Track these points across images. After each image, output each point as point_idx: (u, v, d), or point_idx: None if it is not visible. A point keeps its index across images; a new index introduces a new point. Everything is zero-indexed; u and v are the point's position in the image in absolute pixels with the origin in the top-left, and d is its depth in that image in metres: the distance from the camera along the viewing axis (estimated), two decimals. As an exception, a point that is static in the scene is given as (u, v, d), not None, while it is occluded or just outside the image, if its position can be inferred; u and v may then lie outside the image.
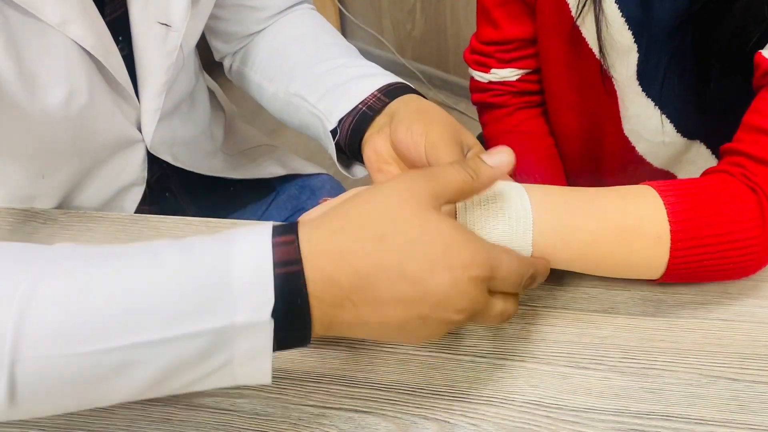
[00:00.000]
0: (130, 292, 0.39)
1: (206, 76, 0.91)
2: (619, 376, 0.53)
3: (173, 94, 0.75)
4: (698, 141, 0.79)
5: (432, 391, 0.53)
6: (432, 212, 0.43)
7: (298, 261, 0.41)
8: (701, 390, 0.52)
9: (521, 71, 0.84)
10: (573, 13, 0.73)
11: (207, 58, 0.88)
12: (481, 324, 0.48)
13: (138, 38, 0.68)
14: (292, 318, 0.41)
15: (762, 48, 0.60)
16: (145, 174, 0.77)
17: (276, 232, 0.42)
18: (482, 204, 0.50)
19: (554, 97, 0.83)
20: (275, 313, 0.40)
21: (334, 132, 0.64)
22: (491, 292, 0.45)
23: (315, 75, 0.70)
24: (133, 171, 0.76)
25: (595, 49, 0.74)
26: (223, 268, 0.40)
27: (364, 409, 0.53)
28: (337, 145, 0.65)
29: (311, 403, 0.53)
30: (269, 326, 0.40)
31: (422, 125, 0.56)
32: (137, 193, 0.79)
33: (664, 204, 0.51)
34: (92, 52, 0.62)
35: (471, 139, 0.58)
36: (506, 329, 0.56)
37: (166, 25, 0.67)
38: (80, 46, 0.62)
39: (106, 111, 0.68)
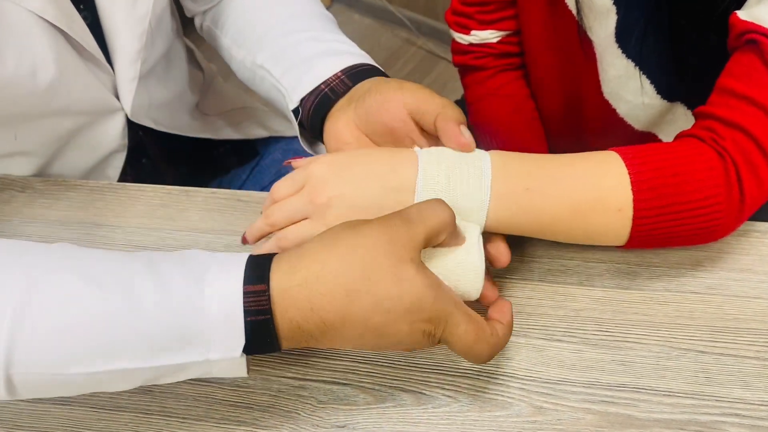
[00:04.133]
0: (112, 325, 0.43)
1: (182, 36, 0.89)
2: (592, 349, 0.54)
3: (148, 57, 0.73)
4: (678, 102, 0.79)
5: (409, 364, 0.54)
6: (408, 266, 0.44)
7: (268, 311, 0.44)
8: (671, 362, 0.53)
9: (501, 33, 0.83)
10: None
11: (185, 17, 0.86)
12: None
13: (102, 4, 0.66)
14: (262, 348, 0.45)
15: (737, 9, 0.59)
16: (126, 141, 0.76)
17: (248, 279, 0.44)
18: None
19: (534, 60, 0.82)
20: (246, 348, 0.44)
21: (296, 111, 0.63)
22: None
23: (281, 47, 0.67)
24: (113, 139, 0.75)
25: (574, 11, 0.73)
26: (197, 316, 0.43)
27: (343, 381, 0.54)
28: (300, 122, 0.64)
29: (291, 374, 0.54)
30: (242, 359, 0.45)
31: (394, 83, 0.56)
32: (120, 160, 0.78)
33: (629, 173, 0.51)
34: (54, 23, 0.61)
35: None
36: (483, 302, 0.57)
37: None
38: (41, 17, 0.60)
39: (79, 81, 0.66)
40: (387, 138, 0.56)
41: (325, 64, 0.62)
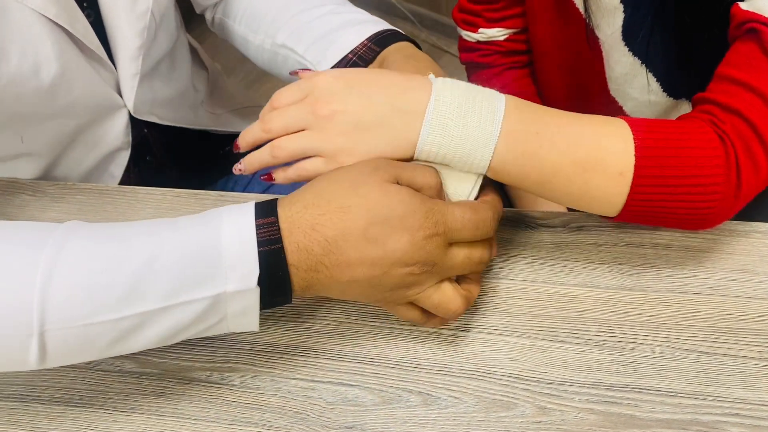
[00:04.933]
0: (136, 269, 0.46)
1: (186, 34, 0.89)
2: (596, 350, 0.55)
3: (151, 54, 0.74)
4: (684, 99, 0.79)
5: (415, 365, 0.55)
6: (391, 185, 0.48)
7: (278, 240, 0.47)
8: (673, 363, 0.54)
9: (509, 31, 0.83)
10: None
11: (186, 15, 0.87)
12: (454, 273, 0.51)
13: (104, 2, 0.67)
14: (275, 284, 0.47)
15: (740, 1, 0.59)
16: (130, 138, 0.77)
17: (258, 213, 0.47)
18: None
19: (541, 57, 0.82)
20: (260, 282, 0.46)
21: None
22: (454, 244, 0.50)
23: (301, 23, 0.68)
24: (117, 136, 0.76)
25: (582, 9, 0.73)
26: (214, 248, 0.46)
27: (350, 383, 0.55)
28: None
29: (299, 376, 0.56)
30: (256, 292, 0.47)
31: (415, 72, 0.58)
32: (123, 158, 0.79)
33: (634, 138, 0.51)
34: (56, 21, 0.62)
35: None
36: (487, 303, 0.58)
37: None
38: (43, 15, 0.61)
39: (82, 78, 0.67)
40: None
41: (349, 34, 0.64)
